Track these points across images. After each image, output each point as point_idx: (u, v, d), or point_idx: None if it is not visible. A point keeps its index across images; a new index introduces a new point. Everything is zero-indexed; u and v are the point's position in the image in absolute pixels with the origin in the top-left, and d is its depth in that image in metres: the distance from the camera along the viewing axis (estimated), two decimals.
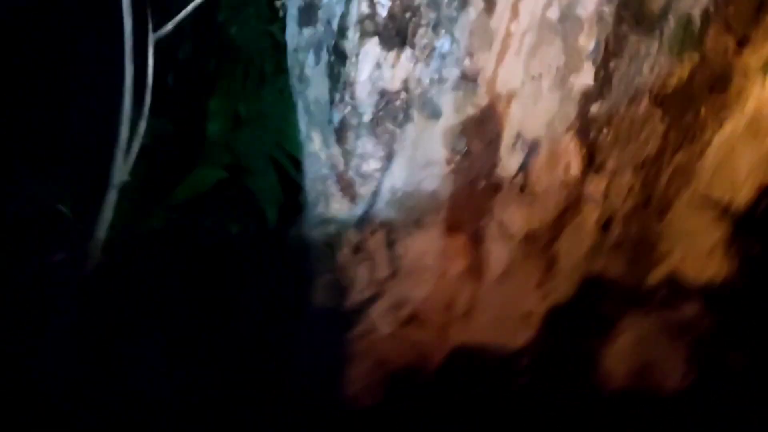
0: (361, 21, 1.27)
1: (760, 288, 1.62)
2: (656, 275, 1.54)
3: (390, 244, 1.52)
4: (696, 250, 1.52)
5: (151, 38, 0.98)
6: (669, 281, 1.56)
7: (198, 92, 2.34)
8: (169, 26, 0.99)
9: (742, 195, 1.47)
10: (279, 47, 2.23)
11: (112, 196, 1.08)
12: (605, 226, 1.50)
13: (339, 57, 1.35)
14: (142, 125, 1.03)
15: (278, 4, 1.87)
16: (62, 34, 2.00)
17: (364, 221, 1.52)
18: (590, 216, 1.48)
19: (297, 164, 2.13)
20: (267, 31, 2.21)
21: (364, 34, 1.29)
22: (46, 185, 1.63)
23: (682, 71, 1.28)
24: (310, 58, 1.41)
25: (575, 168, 1.41)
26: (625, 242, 1.52)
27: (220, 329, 1.80)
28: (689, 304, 1.58)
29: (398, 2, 1.24)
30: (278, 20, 2.20)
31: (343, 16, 1.30)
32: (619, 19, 1.23)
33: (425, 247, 1.49)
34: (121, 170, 1.04)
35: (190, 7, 1.01)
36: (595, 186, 1.43)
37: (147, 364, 1.60)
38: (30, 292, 1.50)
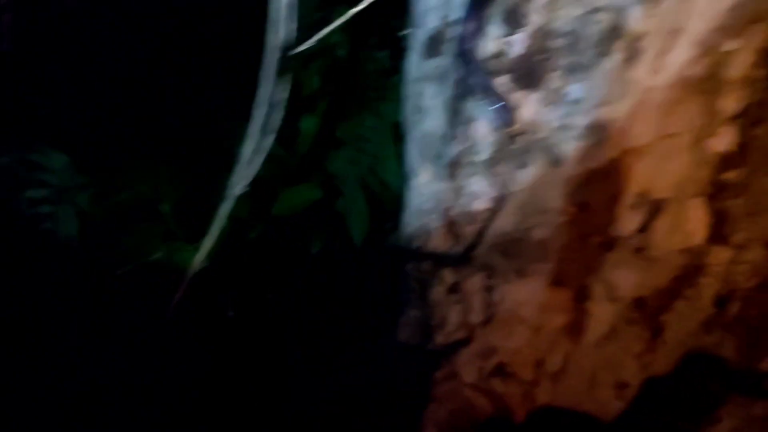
0: (489, 58, 1.23)
1: None
2: None
3: (488, 288, 1.46)
4: None
5: (285, 55, 0.97)
6: None
7: (301, 110, 2.36)
8: (303, 46, 0.97)
9: None
10: (385, 74, 2.23)
11: (227, 206, 1.07)
12: (722, 302, 1.40)
13: (462, 93, 1.31)
14: (269, 140, 1.02)
15: (403, 33, 1.85)
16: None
17: (463, 261, 1.47)
18: (707, 290, 1.38)
19: (389, 191, 2.11)
20: (374, 57, 2.21)
21: (492, 72, 1.24)
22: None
23: None
24: (431, 89, 1.37)
25: (699, 236, 1.32)
26: (741, 322, 1.41)
27: (298, 352, 1.79)
28: None
29: (534, 42, 1.19)
30: (387, 47, 2.20)
31: (474, 51, 1.27)
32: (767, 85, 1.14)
33: (525, 297, 1.43)
34: (242, 182, 1.02)
35: (327, 29, 0.99)
36: (718, 258, 1.34)
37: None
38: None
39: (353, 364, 1.78)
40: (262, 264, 1.85)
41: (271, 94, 0.90)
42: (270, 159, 2.27)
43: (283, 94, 0.96)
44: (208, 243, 1.05)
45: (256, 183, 2.08)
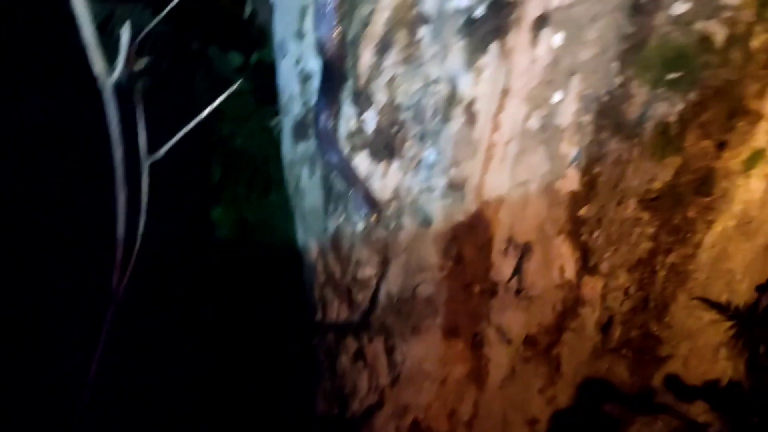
0: (350, 136, 1.33)
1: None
2: (660, 377, 1.51)
3: (389, 351, 1.52)
4: (698, 352, 1.50)
5: (145, 163, 1.03)
6: (673, 383, 1.53)
7: (206, 201, 2.42)
8: (162, 151, 1.04)
9: (740, 294, 1.46)
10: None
11: (110, 314, 1.11)
12: (605, 328, 1.49)
13: (331, 170, 1.40)
14: (137, 246, 1.07)
15: (273, 122, 1.96)
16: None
17: (362, 328, 1.53)
18: (589, 319, 1.47)
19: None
20: (272, 141, 2.31)
21: (354, 148, 1.34)
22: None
23: (666, 175, 1.30)
24: (305, 171, 1.46)
25: (570, 270, 1.41)
26: (626, 345, 1.50)
27: None
28: (695, 407, 1.54)
29: (384, 117, 1.30)
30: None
31: (334, 132, 1.36)
32: (598, 127, 1.27)
33: (424, 353, 1.49)
34: (117, 289, 1.07)
35: (182, 132, 1.06)
36: (591, 288, 1.44)
37: None
38: None
39: None
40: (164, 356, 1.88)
41: (126, 203, 0.96)
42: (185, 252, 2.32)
43: (143, 203, 1.02)
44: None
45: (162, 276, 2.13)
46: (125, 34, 0.81)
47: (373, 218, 1.30)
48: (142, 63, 0.91)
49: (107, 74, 0.80)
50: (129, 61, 0.84)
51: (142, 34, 1.08)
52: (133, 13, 1.74)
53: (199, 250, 2.19)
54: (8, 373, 1.67)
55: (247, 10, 1.54)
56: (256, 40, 2.28)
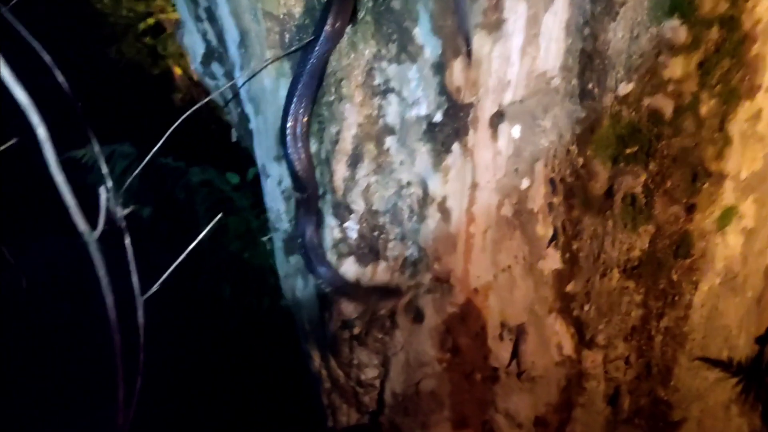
0: (335, 245, 1.39)
1: None
2: None
3: None
4: (710, 412, 1.49)
5: (139, 301, 1.09)
6: None
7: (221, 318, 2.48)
8: (155, 287, 1.10)
9: (740, 349, 1.47)
10: None
11: None
12: (613, 400, 1.50)
13: (322, 282, 1.45)
14: (138, 382, 1.11)
15: (265, 240, 2.03)
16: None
17: (372, 430, 1.54)
18: (596, 392, 1.48)
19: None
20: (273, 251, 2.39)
21: (341, 256, 1.39)
22: None
23: (642, 242, 1.34)
24: (299, 282, 1.51)
25: (567, 347, 1.44)
26: (638, 414, 1.50)
27: None
28: None
29: (365, 224, 1.36)
30: None
31: (320, 243, 1.42)
32: (569, 206, 1.32)
33: None
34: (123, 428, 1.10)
35: (173, 267, 1.13)
36: (592, 361, 1.45)
37: None
38: None
39: None
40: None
41: (121, 345, 1.02)
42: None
43: (141, 339, 1.07)
44: None
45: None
46: (103, 193, 0.88)
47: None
48: (125, 213, 0.99)
49: (90, 233, 0.86)
50: (110, 216, 0.91)
51: (127, 183, 1.16)
52: (123, 151, 1.84)
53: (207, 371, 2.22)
54: None
55: (234, 135, 1.64)
56: (250, 159, 2.40)
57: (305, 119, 1.31)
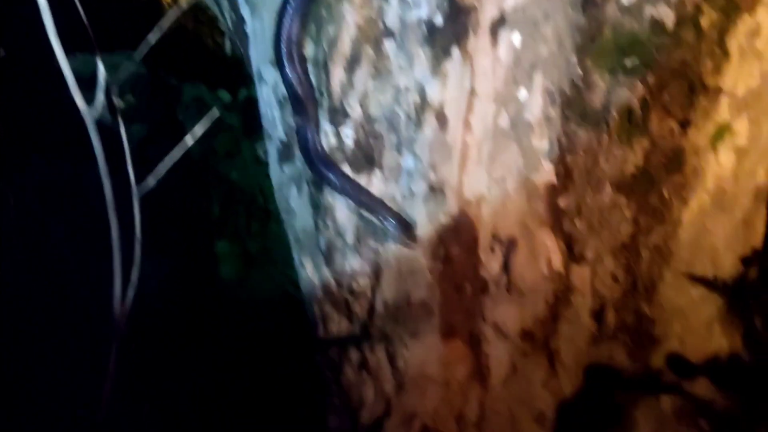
0: (330, 152, 1.38)
1: None
2: (659, 358, 1.54)
3: (391, 358, 1.55)
4: (692, 329, 1.53)
5: (135, 193, 1.09)
6: (675, 362, 1.55)
7: (209, 236, 2.48)
8: (151, 181, 1.10)
9: (726, 269, 1.49)
10: None
11: (114, 350, 1.15)
12: (599, 315, 1.52)
13: (317, 187, 1.45)
14: (135, 273, 1.12)
15: (261, 151, 2.02)
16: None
17: (363, 339, 1.57)
18: (582, 307, 1.51)
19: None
20: (266, 172, 2.38)
21: (340, 161, 1.39)
22: None
23: (636, 158, 1.35)
24: (293, 191, 1.51)
25: (557, 261, 1.45)
26: (622, 329, 1.53)
27: None
28: (698, 384, 1.56)
29: (362, 131, 1.36)
30: None
31: (317, 148, 1.42)
32: (565, 119, 1.32)
33: (425, 356, 1.52)
34: (120, 320, 1.12)
35: (169, 160, 1.12)
36: (580, 277, 1.47)
37: None
38: None
39: None
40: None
41: (119, 233, 1.02)
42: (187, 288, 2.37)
43: (137, 231, 1.08)
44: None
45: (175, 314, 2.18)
46: (101, 73, 0.87)
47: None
48: (124, 102, 0.98)
49: (89, 110, 0.85)
50: (110, 99, 0.90)
51: (125, 74, 1.15)
52: (119, 59, 1.81)
53: (200, 282, 2.24)
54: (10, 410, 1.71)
55: (227, 46, 1.61)
56: (242, 78, 2.37)
57: (299, 35, 1.29)
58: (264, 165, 2.39)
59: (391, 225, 1.37)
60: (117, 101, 0.99)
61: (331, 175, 1.39)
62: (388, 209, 1.38)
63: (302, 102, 1.34)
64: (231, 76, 2.34)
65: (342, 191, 1.39)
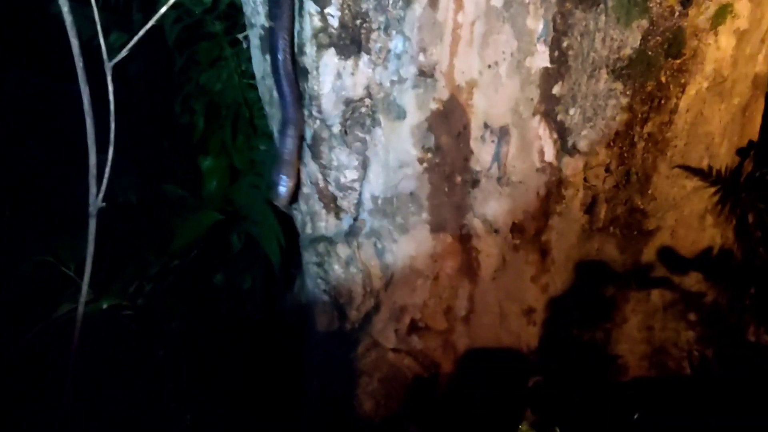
0: (315, 35, 1.32)
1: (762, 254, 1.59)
2: (650, 252, 1.53)
3: (380, 253, 1.53)
4: (685, 221, 1.51)
5: (108, 66, 1.03)
6: (666, 256, 1.54)
7: (197, 151, 2.43)
8: (124, 52, 1.05)
9: (721, 159, 1.46)
10: None
11: (92, 226, 1.12)
12: (590, 208, 1.50)
13: (301, 74, 1.40)
14: (110, 150, 1.08)
15: (241, 37, 1.94)
16: None
17: (351, 234, 1.54)
18: (574, 200, 1.48)
19: None
20: (249, 85, 2.31)
21: (321, 47, 1.33)
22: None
23: (634, 40, 1.30)
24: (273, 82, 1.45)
25: (549, 153, 1.42)
26: (613, 222, 1.51)
27: (228, 364, 1.83)
28: (689, 278, 1.55)
29: (347, 11, 1.29)
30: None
31: (299, 34, 1.35)
32: None
33: (414, 251, 1.50)
34: (95, 197, 1.08)
35: (142, 31, 1.06)
36: (573, 169, 1.44)
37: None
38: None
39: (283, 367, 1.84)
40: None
41: (90, 106, 0.97)
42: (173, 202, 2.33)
43: (111, 105, 1.02)
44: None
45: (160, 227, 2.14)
46: None
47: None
48: None
49: None
50: None
51: None
52: None
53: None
54: None
55: None
56: None
57: None
58: (248, 78, 2.32)
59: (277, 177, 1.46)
60: None
61: (287, 91, 1.37)
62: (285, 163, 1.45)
63: (278, 2, 1.29)
64: None
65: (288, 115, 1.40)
